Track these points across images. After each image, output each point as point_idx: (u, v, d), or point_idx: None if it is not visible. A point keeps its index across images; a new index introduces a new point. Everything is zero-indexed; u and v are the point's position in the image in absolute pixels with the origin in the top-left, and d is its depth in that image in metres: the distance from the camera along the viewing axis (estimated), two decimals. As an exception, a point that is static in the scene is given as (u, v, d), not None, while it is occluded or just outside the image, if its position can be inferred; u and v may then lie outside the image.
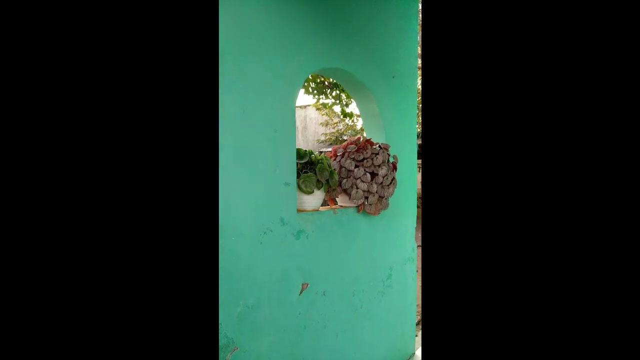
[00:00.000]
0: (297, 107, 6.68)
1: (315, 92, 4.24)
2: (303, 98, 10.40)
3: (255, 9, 1.16)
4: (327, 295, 1.44)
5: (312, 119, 9.18)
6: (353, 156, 1.53)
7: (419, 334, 2.54)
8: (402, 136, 1.96)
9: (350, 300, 1.58)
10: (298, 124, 8.51)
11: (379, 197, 1.55)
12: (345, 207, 1.56)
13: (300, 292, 1.32)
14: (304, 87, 4.16)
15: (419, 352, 2.15)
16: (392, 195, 1.60)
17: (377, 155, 1.53)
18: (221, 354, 1.06)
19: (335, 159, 1.59)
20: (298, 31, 1.32)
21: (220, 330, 1.06)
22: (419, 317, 2.92)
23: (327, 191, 1.51)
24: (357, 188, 1.50)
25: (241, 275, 1.12)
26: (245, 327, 1.13)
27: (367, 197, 1.52)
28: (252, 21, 1.15)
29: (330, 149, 1.68)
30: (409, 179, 2.06)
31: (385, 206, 1.61)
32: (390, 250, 1.86)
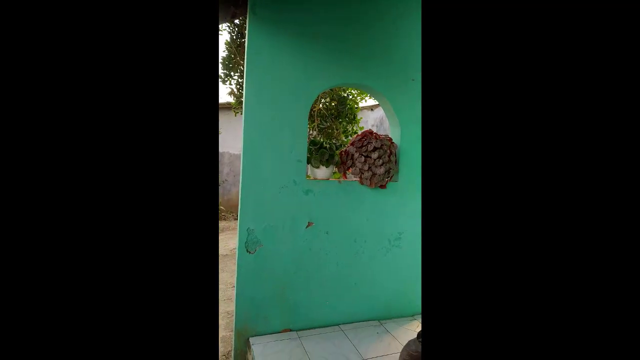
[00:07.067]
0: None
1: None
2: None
3: (283, 49, 2.04)
4: (329, 234, 2.20)
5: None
6: (355, 144, 2.18)
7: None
8: (418, 128, 2.37)
9: (352, 245, 2.26)
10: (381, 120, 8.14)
11: (372, 173, 2.14)
12: (349, 180, 2.24)
13: (307, 227, 2.15)
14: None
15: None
16: (384, 173, 2.15)
17: (371, 143, 2.12)
18: (252, 247, 2.05)
19: (349, 147, 2.28)
20: (313, 63, 2.10)
21: (252, 234, 2.04)
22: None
23: (337, 168, 2.23)
24: (355, 167, 2.16)
25: (266, 208, 2.06)
26: (267, 236, 2.07)
27: (362, 173, 2.15)
28: (283, 57, 2.04)
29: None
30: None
31: (381, 181, 2.18)
32: (399, 218, 2.36)
